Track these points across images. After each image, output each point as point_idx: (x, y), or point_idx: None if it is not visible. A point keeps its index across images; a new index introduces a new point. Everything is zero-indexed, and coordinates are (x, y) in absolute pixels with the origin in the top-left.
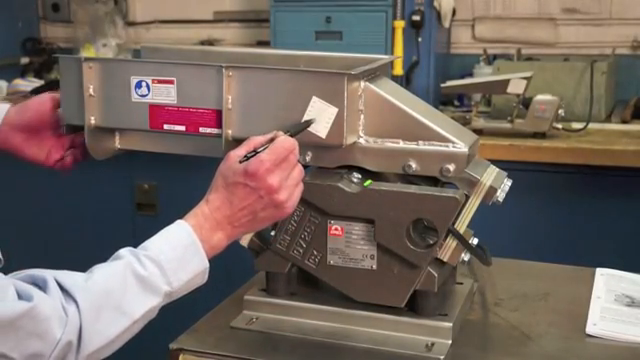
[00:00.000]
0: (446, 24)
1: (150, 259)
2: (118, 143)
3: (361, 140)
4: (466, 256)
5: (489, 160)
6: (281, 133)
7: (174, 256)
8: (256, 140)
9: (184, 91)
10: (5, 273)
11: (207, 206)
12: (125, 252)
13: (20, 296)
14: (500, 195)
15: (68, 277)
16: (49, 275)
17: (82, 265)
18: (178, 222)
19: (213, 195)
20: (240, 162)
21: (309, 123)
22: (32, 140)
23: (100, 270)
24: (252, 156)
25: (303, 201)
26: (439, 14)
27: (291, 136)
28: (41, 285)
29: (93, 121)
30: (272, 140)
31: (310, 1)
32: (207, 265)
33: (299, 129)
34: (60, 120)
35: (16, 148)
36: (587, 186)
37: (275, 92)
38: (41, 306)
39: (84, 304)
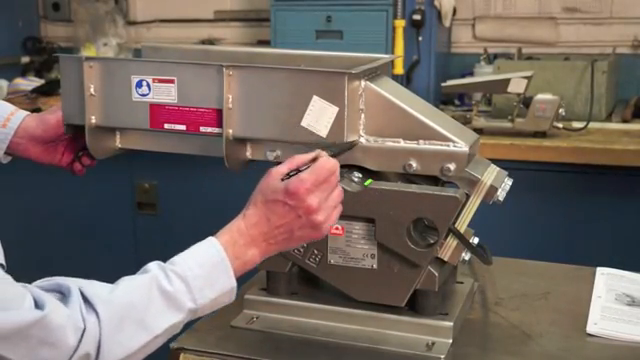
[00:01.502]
0: (447, 23)
1: (177, 274)
2: (119, 142)
3: (362, 139)
4: (467, 255)
5: (490, 159)
6: (324, 153)
7: (201, 273)
8: (299, 159)
9: (185, 90)
10: (13, 277)
11: (243, 221)
12: (153, 266)
13: (37, 304)
14: (501, 194)
15: (92, 287)
16: (74, 284)
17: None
18: (210, 239)
19: (251, 211)
20: (282, 180)
21: (352, 144)
22: (49, 149)
23: (126, 282)
24: (294, 175)
25: None
26: (440, 13)
27: (333, 156)
28: (65, 294)
29: (94, 120)
30: (314, 159)
31: (311, 0)
32: (234, 284)
33: (342, 149)
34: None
35: (35, 157)
36: (588, 185)
37: (276, 91)
38: (53, 315)
39: (105, 315)
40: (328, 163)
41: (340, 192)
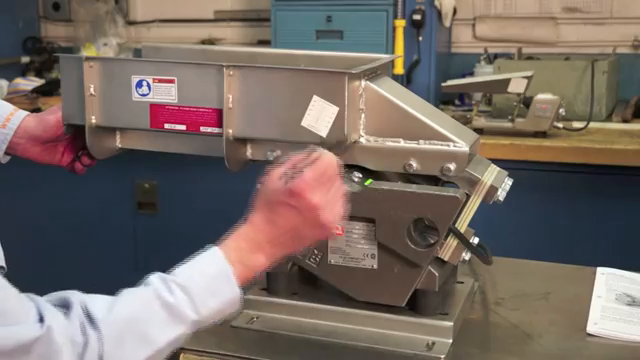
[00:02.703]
0: (447, 23)
1: (178, 285)
2: (119, 142)
3: (362, 139)
4: (467, 255)
5: (490, 159)
6: (318, 148)
7: (203, 282)
8: (297, 158)
9: (185, 90)
10: (8, 276)
11: (249, 227)
12: (154, 278)
13: (40, 318)
14: (501, 194)
15: (93, 302)
16: (76, 299)
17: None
18: (212, 247)
19: (255, 215)
20: (285, 181)
21: (344, 140)
22: (49, 149)
23: (126, 296)
24: (294, 174)
25: None
26: (440, 13)
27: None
28: (68, 309)
29: (94, 120)
30: (312, 157)
31: (311, 0)
32: (238, 293)
33: (333, 146)
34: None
35: (34, 157)
36: (588, 185)
37: (276, 91)
38: (55, 331)
39: (107, 331)
40: (327, 157)
41: (342, 184)
